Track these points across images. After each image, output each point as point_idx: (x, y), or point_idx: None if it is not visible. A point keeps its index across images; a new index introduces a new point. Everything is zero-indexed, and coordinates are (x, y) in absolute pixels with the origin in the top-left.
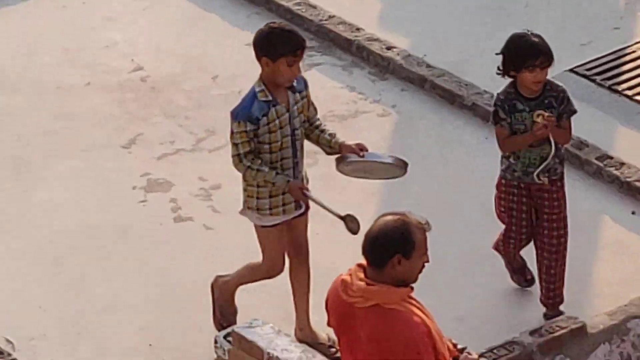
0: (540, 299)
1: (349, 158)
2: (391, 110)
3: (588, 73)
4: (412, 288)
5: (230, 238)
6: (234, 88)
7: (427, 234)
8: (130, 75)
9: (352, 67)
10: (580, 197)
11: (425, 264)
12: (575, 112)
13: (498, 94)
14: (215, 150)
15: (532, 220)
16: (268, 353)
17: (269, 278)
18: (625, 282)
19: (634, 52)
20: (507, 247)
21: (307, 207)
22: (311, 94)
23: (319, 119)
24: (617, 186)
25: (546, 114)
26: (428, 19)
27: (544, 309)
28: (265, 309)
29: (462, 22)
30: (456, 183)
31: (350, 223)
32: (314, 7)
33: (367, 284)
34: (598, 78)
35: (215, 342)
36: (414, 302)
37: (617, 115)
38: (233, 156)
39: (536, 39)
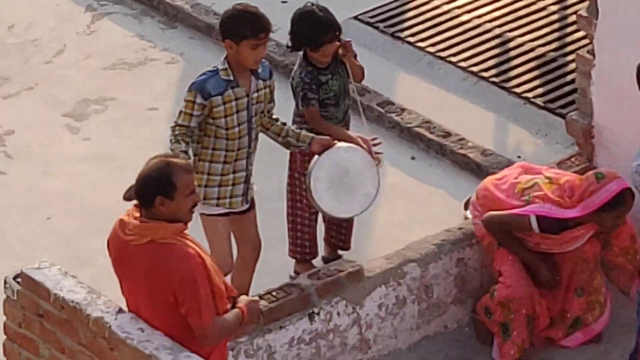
0: (328, 240)
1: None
2: (179, 58)
3: (371, 20)
4: (186, 224)
5: (22, 182)
6: (29, 37)
7: None
8: None
9: (142, 16)
10: None
11: (197, 203)
12: (356, 54)
13: (301, 77)
14: (9, 97)
15: None
16: (55, 294)
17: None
18: (402, 226)
19: None
20: (309, 228)
21: (253, 204)
22: (103, 43)
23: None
24: (398, 132)
25: (343, 42)
26: None
27: (323, 253)
28: (53, 251)
29: None
30: None
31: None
32: None
33: (141, 222)
34: (381, 25)
35: (5, 283)
36: (189, 237)
37: (399, 61)
38: (174, 122)
39: (322, 13)
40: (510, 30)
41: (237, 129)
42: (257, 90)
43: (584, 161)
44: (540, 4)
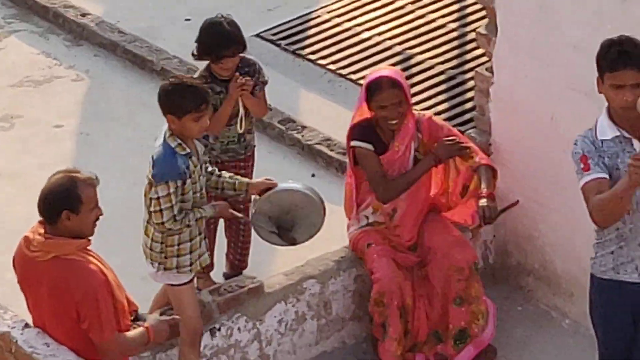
0: (229, 257)
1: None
2: (85, 75)
3: (273, 38)
4: (89, 240)
5: None
6: None
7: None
8: None
9: (48, 34)
10: (263, 159)
11: (100, 217)
12: (266, 82)
13: (197, 77)
14: None
15: None
16: None
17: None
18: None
19: (318, 17)
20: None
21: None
22: (10, 61)
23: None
24: (298, 149)
25: (243, 79)
26: None
27: (224, 269)
28: None
29: None
30: (143, 145)
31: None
32: None
33: (46, 238)
34: (283, 43)
35: None
36: (92, 253)
37: (300, 79)
38: (164, 222)
39: (229, 27)
40: (411, 48)
41: (198, 195)
42: (202, 151)
43: None
44: (440, 22)
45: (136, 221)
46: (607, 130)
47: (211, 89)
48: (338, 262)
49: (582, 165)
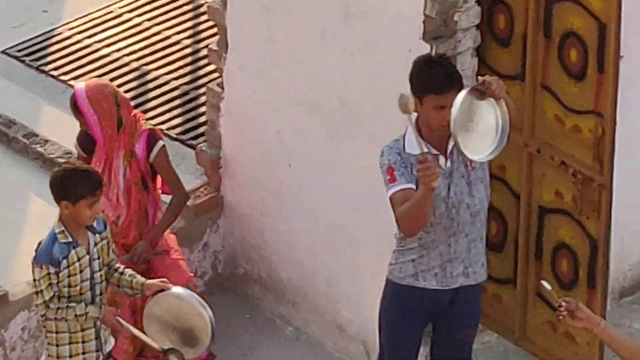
0: None
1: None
2: None
3: (18, 54)
4: None
5: None
6: None
7: None
8: None
9: None
10: (8, 173)
11: None
12: None
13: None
14: None
15: None
16: None
17: None
18: None
19: (60, 33)
20: None
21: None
22: None
23: (117, 262)
24: (42, 162)
25: None
26: None
27: None
28: None
29: None
30: None
31: (173, 356)
32: None
33: None
34: (27, 59)
35: None
36: None
37: (43, 94)
38: (39, 305)
39: None
40: (147, 64)
41: (78, 287)
42: (96, 244)
43: (212, 191)
44: (174, 38)
45: None
46: (415, 146)
47: None
48: None
49: (388, 177)
